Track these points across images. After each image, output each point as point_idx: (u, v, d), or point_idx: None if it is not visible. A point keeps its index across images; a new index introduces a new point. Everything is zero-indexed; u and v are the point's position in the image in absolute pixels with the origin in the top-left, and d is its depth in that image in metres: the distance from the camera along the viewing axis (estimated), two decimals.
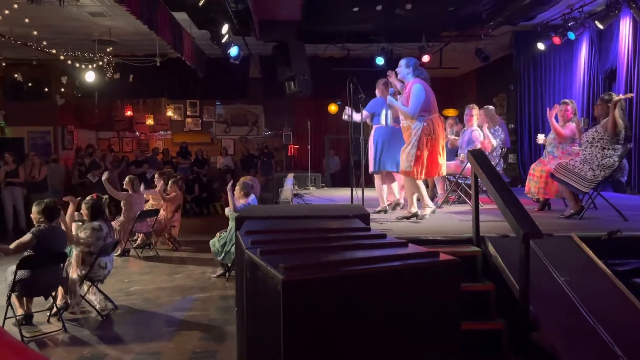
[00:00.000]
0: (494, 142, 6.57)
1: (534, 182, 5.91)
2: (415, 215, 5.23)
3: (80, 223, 5.43)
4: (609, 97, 5.27)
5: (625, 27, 7.87)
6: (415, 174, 5.09)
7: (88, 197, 5.37)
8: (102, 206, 5.31)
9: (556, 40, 8.89)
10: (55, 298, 4.91)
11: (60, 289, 5.02)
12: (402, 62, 5.24)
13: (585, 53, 8.99)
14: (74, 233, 5.21)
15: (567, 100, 6.20)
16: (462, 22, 9.06)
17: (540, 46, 9.34)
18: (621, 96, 5.35)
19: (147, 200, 8.72)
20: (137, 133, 15.54)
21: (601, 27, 7.89)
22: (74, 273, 4.97)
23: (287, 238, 2.42)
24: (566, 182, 5.34)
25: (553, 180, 5.59)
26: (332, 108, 13.61)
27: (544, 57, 9.97)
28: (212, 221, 11.13)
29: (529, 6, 8.00)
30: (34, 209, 4.82)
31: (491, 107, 6.93)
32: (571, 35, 8.61)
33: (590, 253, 3.94)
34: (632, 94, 6.89)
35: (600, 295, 3.56)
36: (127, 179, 8.17)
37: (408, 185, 5.29)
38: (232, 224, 6.19)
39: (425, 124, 5.04)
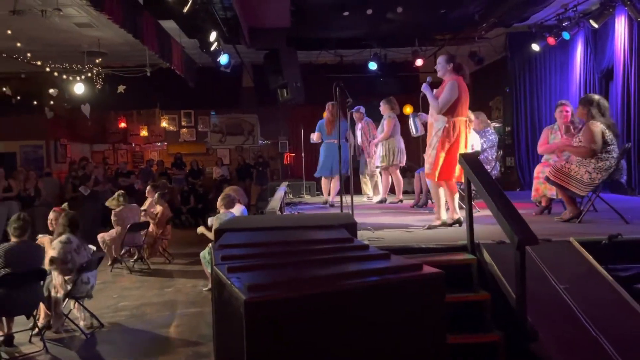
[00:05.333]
0: (480, 145, 6.41)
1: (541, 183, 5.70)
2: (444, 223, 5.02)
3: (49, 237, 5.27)
4: (590, 99, 5.10)
5: (620, 25, 7.73)
6: (434, 177, 4.93)
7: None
8: (75, 219, 5.13)
9: (551, 40, 8.76)
10: (37, 317, 4.73)
11: (42, 307, 4.85)
12: (442, 59, 5.05)
13: (581, 53, 8.85)
14: (46, 246, 5.03)
15: (564, 101, 5.97)
16: (454, 24, 8.93)
17: (535, 47, 9.21)
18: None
19: (144, 211, 8.59)
20: (133, 145, 15.41)
21: (596, 25, 7.75)
22: (55, 291, 4.80)
23: (262, 252, 2.25)
24: (563, 185, 5.16)
25: None
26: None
27: (539, 58, 9.84)
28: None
29: (522, 6, 7.88)
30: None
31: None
32: (566, 35, 8.48)
33: (591, 258, 3.77)
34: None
35: (601, 303, 3.38)
36: (114, 196, 8.07)
37: (432, 190, 5.13)
38: None
39: (447, 125, 4.86)
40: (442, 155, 4.88)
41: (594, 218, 5.26)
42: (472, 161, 3.91)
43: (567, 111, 5.69)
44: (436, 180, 4.95)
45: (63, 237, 5.00)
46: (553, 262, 3.73)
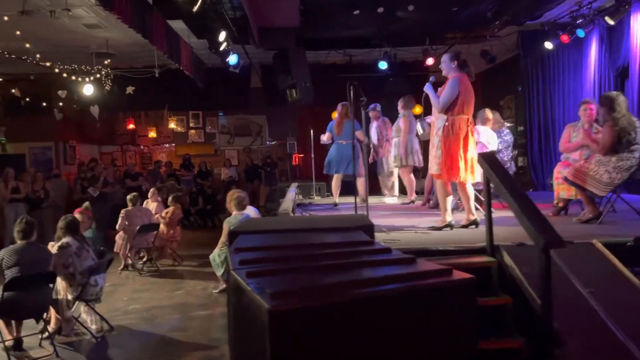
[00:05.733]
0: (495, 146, 6.28)
1: (560, 183, 5.55)
2: (449, 225, 4.87)
3: (52, 243, 5.21)
4: (608, 97, 4.98)
5: (636, 22, 7.57)
6: (441, 176, 4.84)
7: (75, 213, 5.20)
8: (72, 223, 5.06)
9: (564, 38, 8.61)
10: (46, 321, 4.66)
11: (52, 312, 4.78)
12: (446, 57, 4.92)
13: (595, 51, 8.69)
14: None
15: (588, 100, 5.79)
16: (466, 22, 8.80)
17: (548, 45, 9.06)
18: None
19: (156, 214, 8.54)
20: (141, 146, 15.39)
21: (612, 22, 7.60)
22: (59, 294, 4.73)
23: (280, 256, 2.16)
24: (582, 186, 5.03)
25: None
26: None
27: (552, 56, 9.68)
28: (216, 234, 10.81)
29: (535, 3, 7.75)
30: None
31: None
32: (580, 33, 8.33)
33: (616, 261, 3.64)
34: None
35: (628, 307, 3.25)
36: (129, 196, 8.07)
37: (438, 191, 5.01)
38: None
39: (446, 123, 4.76)
40: (440, 153, 4.78)
41: (615, 219, 5.12)
42: (491, 160, 3.79)
43: (591, 109, 5.52)
44: (445, 179, 4.84)
45: (62, 242, 4.94)
46: (576, 265, 3.61)
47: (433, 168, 4.89)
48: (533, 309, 3.27)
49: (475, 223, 4.87)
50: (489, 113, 6.47)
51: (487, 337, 3.35)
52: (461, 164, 4.72)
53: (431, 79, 5.02)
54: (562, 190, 5.51)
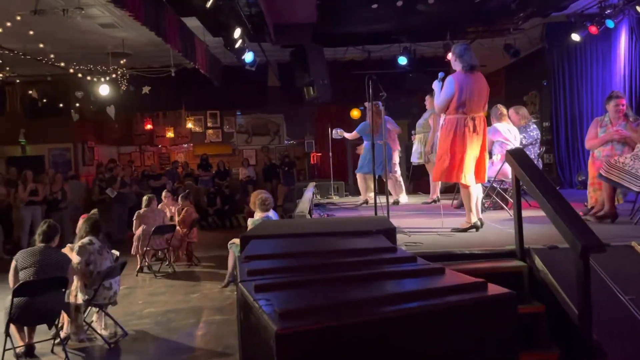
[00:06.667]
0: (516, 141, 6.00)
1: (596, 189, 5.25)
2: (474, 226, 4.63)
3: (71, 245, 5.11)
4: None
5: None
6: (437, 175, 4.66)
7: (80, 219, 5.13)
8: (97, 223, 4.99)
9: (593, 29, 8.23)
10: (59, 326, 4.55)
11: (65, 317, 4.67)
12: (451, 50, 4.68)
13: (625, 42, 8.31)
14: (69, 255, 4.87)
15: (618, 93, 5.42)
16: (489, 15, 8.50)
17: (575, 37, 8.70)
18: None
19: (172, 216, 8.45)
20: (159, 146, 15.38)
21: None
22: (72, 298, 4.62)
23: (293, 265, 1.96)
24: (616, 181, 4.74)
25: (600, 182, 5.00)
26: (355, 113, 13.12)
27: (579, 49, 9.31)
28: (235, 234, 10.70)
29: None
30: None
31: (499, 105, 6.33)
32: (610, 24, 7.95)
33: None
34: None
35: None
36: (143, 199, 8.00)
37: (461, 191, 4.78)
38: None
39: (443, 122, 4.54)
40: (439, 151, 4.62)
41: None
42: (520, 157, 3.55)
43: (622, 104, 5.18)
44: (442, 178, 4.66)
45: (85, 239, 4.89)
46: (615, 270, 3.34)
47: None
48: (569, 317, 3.03)
49: (475, 227, 4.61)
50: (502, 109, 6.20)
51: (520, 349, 3.11)
52: (454, 163, 4.46)
53: (440, 75, 4.76)
54: (600, 196, 5.16)
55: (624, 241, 3.78)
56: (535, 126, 6.51)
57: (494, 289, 1.55)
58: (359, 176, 7.53)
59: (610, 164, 4.79)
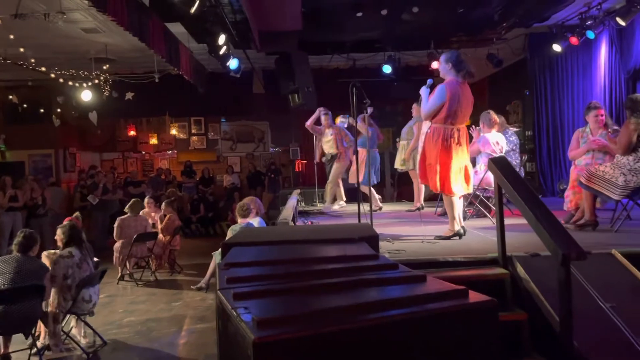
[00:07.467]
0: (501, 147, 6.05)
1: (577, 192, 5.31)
2: (457, 234, 4.64)
3: (52, 251, 4.99)
4: (630, 98, 4.81)
5: None
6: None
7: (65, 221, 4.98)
8: (78, 231, 4.87)
9: (574, 40, 8.37)
10: (35, 336, 4.45)
11: (42, 326, 4.57)
12: (442, 58, 4.68)
13: (605, 53, 8.46)
14: (47, 263, 4.76)
15: (597, 104, 5.50)
16: (473, 24, 8.58)
17: (557, 48, 8.82)
18: None
19: (154, 223, 8.34)
20: (143, 153, 15.22)
21: (623, 24, 7.37)
22: (49, 307, 4.52)
23: (274, 273, 1.93)
24: (596, 189, 4.80)
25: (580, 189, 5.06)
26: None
27: (561, 59, 9.45)
28: (218, 242, 10.63)
29: (544, 4, 7.52)
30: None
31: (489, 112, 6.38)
32: (590, 35, 8.09)
33: (637, 273, 3.41)
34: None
35: None
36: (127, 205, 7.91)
37: (444, 199, 4.79)
38: None
39: (429, 130, 4.56)
40: (420, 159, 4.67)
41: (631, 227, 4.88)
42: (502, 165, 3.57)
43: (601, 115, 5.28)
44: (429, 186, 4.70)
45: (65, 251, 4.76)
46: (595, 277, 3.37)
47: (417, 173, 4.72)
48: (551, 325, 3.04)
49: (459, 234, 4.63)
50: (494, 115, 6.24)
51: (502, 356, 3.11)
52: (438, 173, 4.47)
53: (429, 81, 4.78)
54: (580, 200, 5.23)
55: (605, 249, 3.81)
56: (512, 132, 6.58)
57: (475, 296, 1.54)
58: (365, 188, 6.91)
59: (590, 172, 4.85)
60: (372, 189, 6.69)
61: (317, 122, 8.17)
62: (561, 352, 2.89)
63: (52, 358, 4.49)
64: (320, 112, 8.14)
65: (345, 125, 8.21)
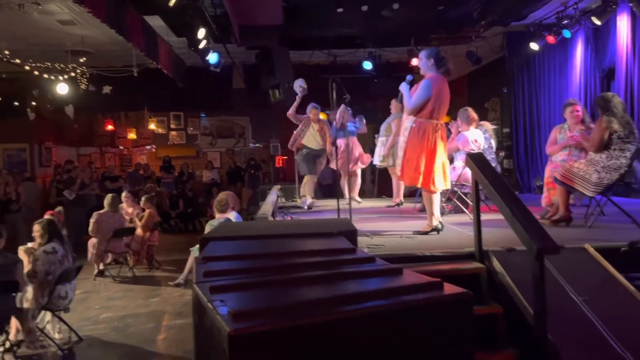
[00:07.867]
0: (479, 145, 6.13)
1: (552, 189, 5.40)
2: (435, 229, 4.68)
3: (29, 245, 4.88)
4: (601, 97, 4.91)
5: (622, 23, 7.49)
6: (402, 178, 4.76)
7: (45, 216, 4.88)
8: (57, 226, 4.79)
9: (550, 39, 8.49)
10: (8, 332, 4.36)
11: (14, 322, 4.48)
12: (423, 54, 4.69)
13: (581, 52, 8.61)
14: (24, 259, 4.66)
15: (573, 101, 5.63)
16: (452, 22, 8.66)
17: (534, 46, 8.95)
18: None
19: (132, 219, 8.23)
20: (121, 148, 15.02)
21: (598, 23, 7.49)
22: (26, 303, 4.43)
23: (252, 267, 1.93)
24: (570, 186, 4.89)
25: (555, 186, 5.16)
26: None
27: (538, 57, 9.59)
28: (197, 237, 10.55)
29: (521, 2, 7.62)
30: None
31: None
32: (567, 34, 8.22)
33: (610, 267, 3.48)
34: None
35: (625, 316, 3.09)
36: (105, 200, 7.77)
37: (424, 193, 4.82)
38: None
39: (413, 125, 4.57)
40: (403, 155, 4.63)
41: (605, 223, 4.98)
42: (480, 161, 3.61)
43: (577, 111, 5.39)
44: (407, 182, 4.73)
45: (48, 247, 4.65)
46: (568, 271, 3.43)
47: (397, 169, 4.74)
48: (525, 318, 3.09)
49: (437, 230, 4.68)
50: (472, 112, 6.30)
51: (478, 348, 3.16)
52: (422, 169, 4.51)
53: (408, 77, 4.81)
54: (553, 196, 5.33)
55: (578, 244, 3.88)
56: (486, 129, 6.65)
57: (450, 288, 1.55)
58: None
59: (565, 168, 4.93)
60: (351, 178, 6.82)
61: (299, 111, 8.19)
62: (535, 345, 2.94)
63: (25, 354, 4.40)
64: (310, 106, 8.16)
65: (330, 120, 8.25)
